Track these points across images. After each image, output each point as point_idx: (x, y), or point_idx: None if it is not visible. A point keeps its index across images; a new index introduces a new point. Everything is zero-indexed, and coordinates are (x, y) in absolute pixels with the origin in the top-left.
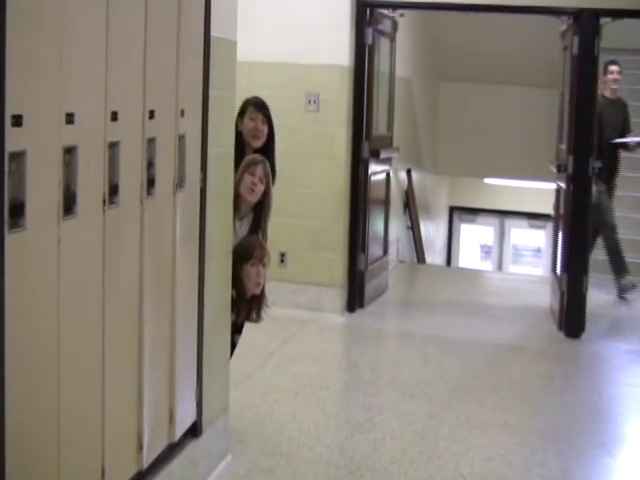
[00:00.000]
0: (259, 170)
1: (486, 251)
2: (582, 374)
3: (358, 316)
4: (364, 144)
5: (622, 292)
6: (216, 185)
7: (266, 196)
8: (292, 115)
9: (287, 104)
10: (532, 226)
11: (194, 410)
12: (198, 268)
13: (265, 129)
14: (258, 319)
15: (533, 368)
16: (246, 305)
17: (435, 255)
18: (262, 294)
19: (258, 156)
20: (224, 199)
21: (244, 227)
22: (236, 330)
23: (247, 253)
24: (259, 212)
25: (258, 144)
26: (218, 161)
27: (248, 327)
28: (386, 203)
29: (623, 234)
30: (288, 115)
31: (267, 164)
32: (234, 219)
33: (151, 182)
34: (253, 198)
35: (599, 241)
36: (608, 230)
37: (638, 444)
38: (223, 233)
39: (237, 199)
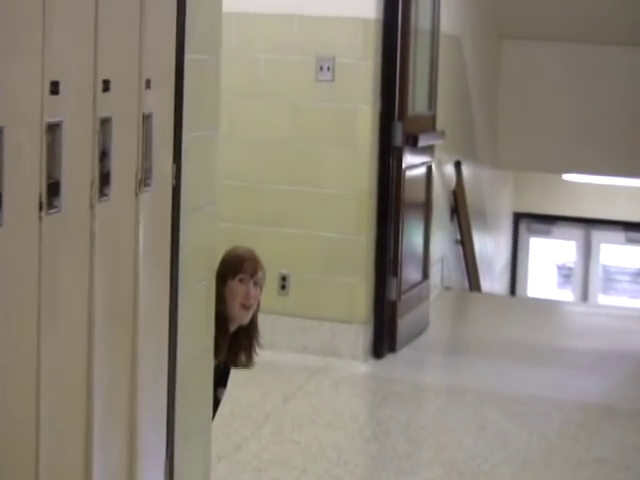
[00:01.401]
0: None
1: (566, 275)
2: None
3: (388, 364)
4: (396, 127)
5: None
6: (195, 182)
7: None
8: (297, 87)
9: (290, 72)
10: (630, 240)
11: None
12: (170, 297)
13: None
14: (249, 363)
15: (632, 438)
16: (228, 340)
17: (494, 280)
18: (253, 326)
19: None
20: (206, 201)
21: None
22: (219, 381)
23: (234, 265)
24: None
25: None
26: (197, 149)
27: (236, 377)
28: (426, 208)
29: None
30: (292, 87)
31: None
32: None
33: (105, 178)
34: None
35: None
36: None
37: None
38: (204, 249)
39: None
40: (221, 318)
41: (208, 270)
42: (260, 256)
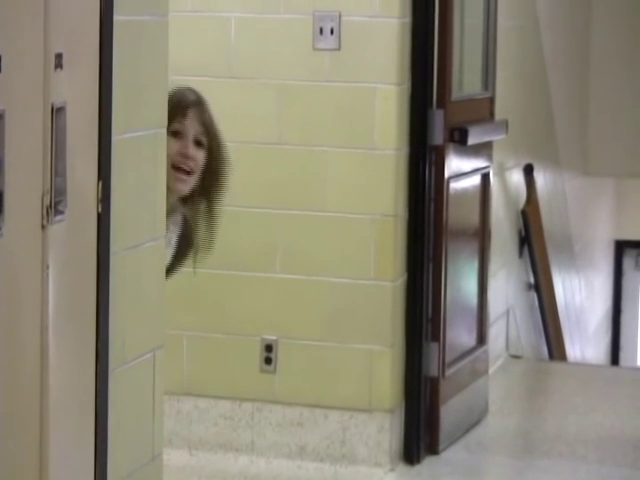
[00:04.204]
0: (190, 120)
1: None
2: None
3: (427, 472)
4: (435, 117)
5: None
6: (131, 207)
7: (213, 171)
8: (286, 61)
9: (278, 37)
10: None
11: None
12: (95, 383)
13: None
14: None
15: None
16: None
17: (587, 343)
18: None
19: (183, 89)
20: (149, 234)
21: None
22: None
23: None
24: (198, 200)
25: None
26: (134, 158)
27: None
28: (482, 238)
29: None
30: (278, 61)
31: (205, 105)
32: None
33: None
34: (184, 186)
35: None
36: None
37: None
38: (147, 306)
39: None
40: None
41: (154, 338)
42: (234, 308)
